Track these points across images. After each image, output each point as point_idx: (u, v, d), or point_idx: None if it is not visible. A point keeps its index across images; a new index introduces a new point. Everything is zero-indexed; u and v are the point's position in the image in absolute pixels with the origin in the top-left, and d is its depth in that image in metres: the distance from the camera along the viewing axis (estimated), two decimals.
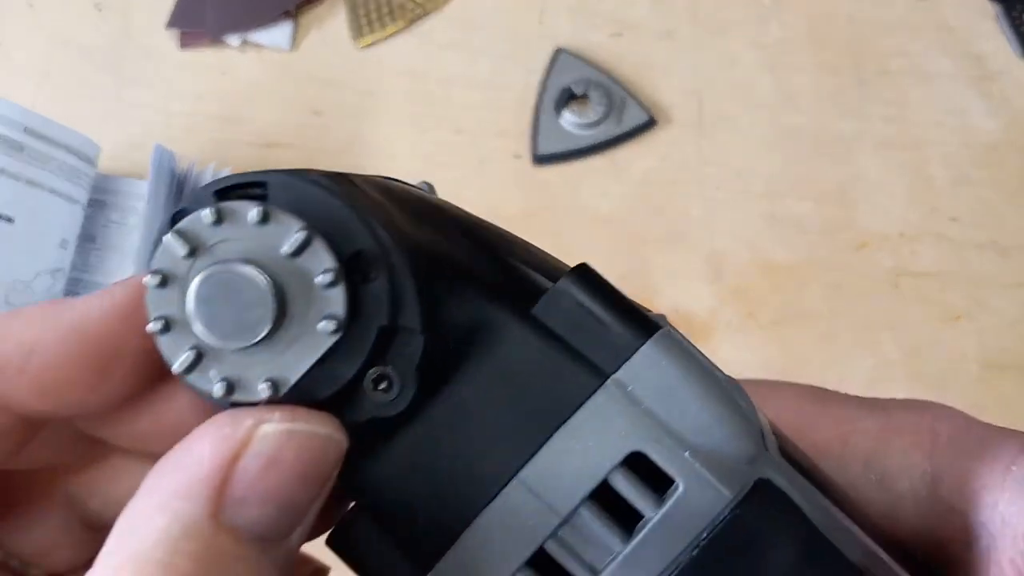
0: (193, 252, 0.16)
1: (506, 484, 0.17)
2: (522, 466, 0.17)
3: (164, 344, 0.16)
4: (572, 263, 0.19)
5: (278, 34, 0.65)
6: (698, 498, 0.16)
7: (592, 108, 0.61)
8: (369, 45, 0.65)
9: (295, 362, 0.16)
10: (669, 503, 0.16)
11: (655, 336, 0.17)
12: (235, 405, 0.16)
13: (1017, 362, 0.55)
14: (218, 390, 0.16)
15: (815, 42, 0.64)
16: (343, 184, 0.17)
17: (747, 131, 0.61)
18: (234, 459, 0.16)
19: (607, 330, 0.17)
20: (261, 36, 0.65)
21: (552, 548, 0.17)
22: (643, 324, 0.17)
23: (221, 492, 0.16)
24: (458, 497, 0.17)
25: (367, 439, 0.17)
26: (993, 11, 0.63)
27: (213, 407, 0.17)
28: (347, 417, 0.17)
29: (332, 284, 0.16)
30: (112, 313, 0.17)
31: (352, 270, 0.16)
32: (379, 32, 0.65)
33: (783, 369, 0.55)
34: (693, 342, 0.18)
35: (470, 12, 0.65)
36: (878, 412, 0.23)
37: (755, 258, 0.58)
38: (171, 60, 0.65)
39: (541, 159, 0.60)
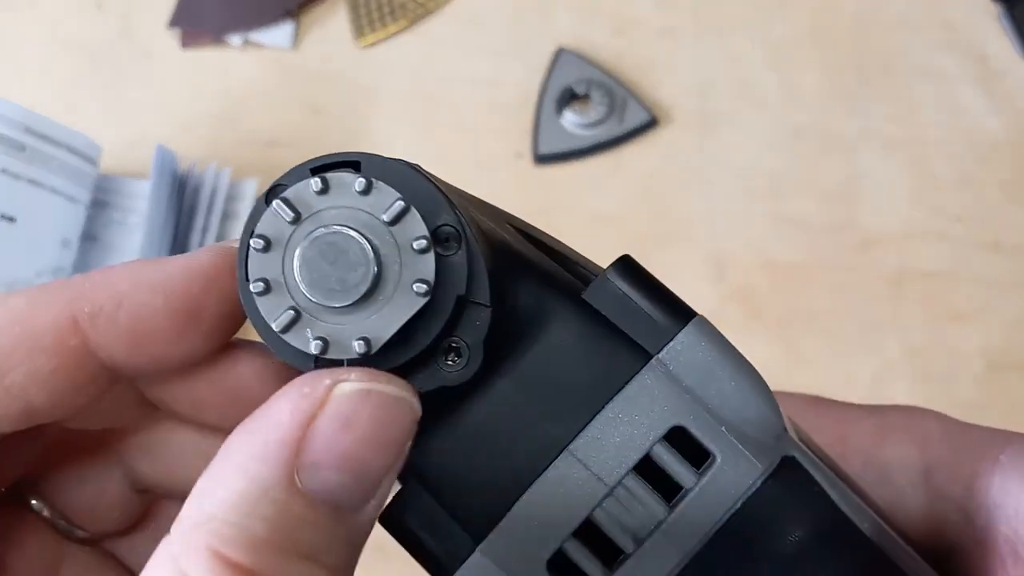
0: (298, 218, 0.17)
1: (557, 456, 0.18)
2: (572, 439, 0.18)
3: (263, 305, 0.17)
4: None
5: (279, 33, 0.65)
6: (733, 470, 0.18)
7: (594, 108, 0.60)
8: (370, 44, 0.64)
9: (387, 323, 0.17)
10: (708, 475, 0.18)
11: (693, 321, 0.18)
12: (321, 365, 0.17)
13: (1020, 361, 0.55)
14: (315, 347, 0.17)
15: (818, 41, 0.63)
16: (421, 170, 0.18)
17: (750, 130, 0.61)
18: (311, 420, 0.16)
19: (650, 315, 0.18)
20: (262, 35, 0.65)
21: (599, 517, 0.18)
22: (682, 310, 0.18)
23: (297, 455, 0.16)
24: (512, 468, 0.18)
25: (430, 410, 0.18)
26: (996, 11, 0.63)
27: (283, 376, 0.18)
28: (418, 385, 0.18)
29: (425, 250, 0.17)
30: (197, 274, 0.18)
31: (436, 242, 0.17)
32: (380, 31, 0.64)
33: (786, 369, 0.55)
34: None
35: (471, 11, 0.65)
36: (873, 415, 0.24)
37: (758, 258, 0.58)
38: (172, 59, 0.65)
39: (542, 159, 0.60)
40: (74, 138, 0.53)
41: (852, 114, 0.61)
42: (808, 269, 0.57)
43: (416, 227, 0.17)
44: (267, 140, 0.62)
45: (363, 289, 0.17)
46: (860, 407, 0.25)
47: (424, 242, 0.17)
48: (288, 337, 0.17)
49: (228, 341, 0.20)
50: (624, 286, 0.18)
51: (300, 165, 0.18)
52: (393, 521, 0.19)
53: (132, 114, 0.63)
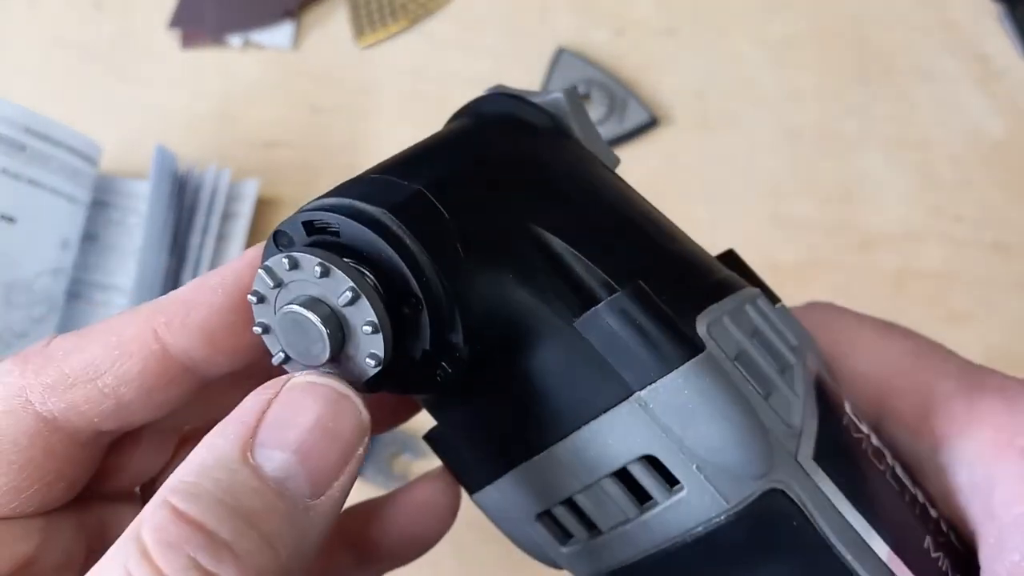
0: (279, 285, 0.20)
1: (541, 452, 0.20)
2: (554, 443, 0.20)
3: (267, 342, 0.20)
4: None
5: (279, 34, 0.65)
6: (699, 502, 0.19)
7: (594, 108, 0.60)
8: (371, 44, 0.64)
9: (352, 376, 0.20)
10: (674, 497, 0.19)
11: (690, 362, 0.18)
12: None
13: (1020, 362, 0.55)
14: None
15: (819, 41, 0.63)
16: (414, 214, 0.19)
17: (750, 130, 0.61)
18: (267, 405, 0.19)
19: (642, 351, 0.18)
20: (262, 36, 0.65)
21: (580, 499, 0.20)
22: (681, 348, 0.18)
23: (252, 434, 0.19)
24: (504, 451, 0.21)
25: (437, 400, 0.22)
26: (996, 11, 0.63)
27: None
28: (408, 391, 0.21)
29: (372, 333, 0.19)
30: (245, 269, 0.22)
31: (402, 302, 0.19)
32: (381, 31, 0.64)
33: None
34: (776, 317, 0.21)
35: (471, 11, 0.65)
36: (968, 394, 0.23)
37: (759, 258, 0.57)
38: (172, 60, 0.65)
39: None
40: (74, 138, 0.53)
41: (852, 114, 0.61)
42: (808, 269, 0.57)
43: (365, 312, 0.19)
44: (267, 140, 0.62)
45: (324, 358, 0.19)
46: (961, 373, 0.24)
47: (370, 328, 0.19)
48: (287, 367, 0.20)
49: None
50: (622, 320, 0.18)
51: (296, 213, 0.21)
52: (434, 441, 0.23)
53: (132, 114, 0.63)
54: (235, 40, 0.65)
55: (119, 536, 0.20)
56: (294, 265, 0.19)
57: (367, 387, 0.20)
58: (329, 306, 0.19)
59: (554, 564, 0.22)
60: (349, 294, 0.18)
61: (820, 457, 0.19)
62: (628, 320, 0.18)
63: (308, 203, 0.21)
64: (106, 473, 0.24)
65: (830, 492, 0.19)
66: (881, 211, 0.59)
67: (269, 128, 0.62)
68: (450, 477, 0.25)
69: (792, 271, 0.57)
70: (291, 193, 0.60)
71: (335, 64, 0.64)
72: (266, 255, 0.21)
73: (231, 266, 0.22)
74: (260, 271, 0.20)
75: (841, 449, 0.20)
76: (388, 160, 0.22)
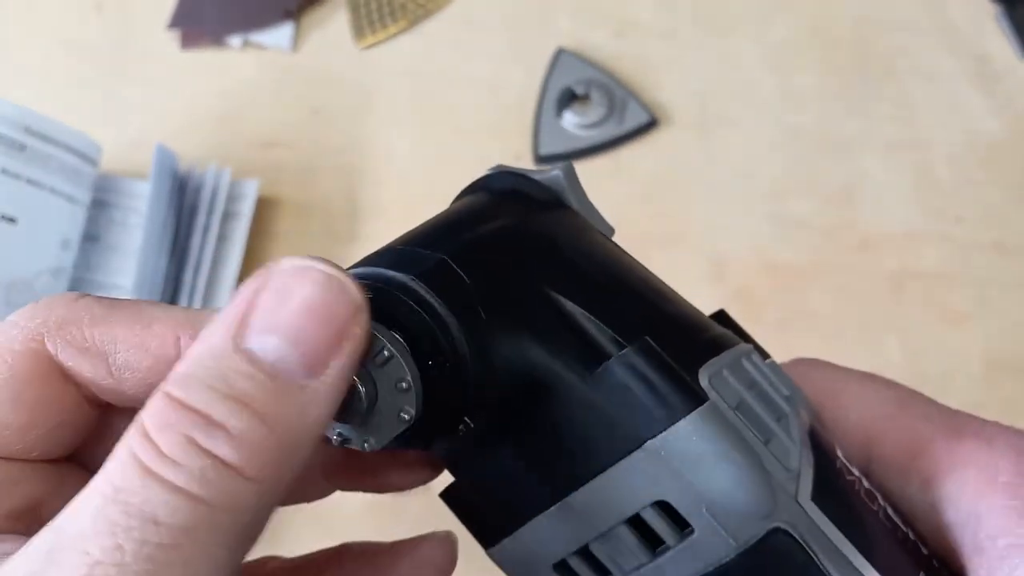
0: None
1: (557, 502, 0.21)
2: (569, 494, 0.21)
3: None
4: None
5: (279, 35, 0.65)
6: (709, 542, 0.20)
7: (593, 108, 0.61)
8: (370, 45, 0.65)
9: (382, 435, 0.21)
10: (685, 542, 0.20)
11: (696, 411, 0.20)
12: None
13: (1020, 362, 0.55)
14: (335, 440, 0.21)
15: (819, 41, 0.63)
16: (439, 283, 0.21)
17: (750, 131, 0.61)
18: (256, 294, 0.19)
19: (652, 402, 0.20)
20: (262, 36, 0.65)
21: (594, 547, 0.21)
22: (687, 398, 0.20)
23: (242, 322, 0.19)
24: (521, 502, 0.22)
25: (457, 454, 0.23)
26: (996, 11, 0.63)
27: None
28: (430, 449, 0.22)
29: (406, 390, 0.20)
30: None
31: (431, 364, 0.20)
32: (381, 32, 0.64)
33: (785, 370, 0.55)
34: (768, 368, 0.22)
35: (471, 12, 0.65)
36: (951, 436, 0.24)
37: (758, 259, 0.58)
38: (172, 60, 0.65)
39: (542, 159, 0.60)
40: (74, 138, 0.53)
41: (852, 115, 0.61)
42: (808, 270, 0.57)
43: (399, 371, 0.20)
44: (267, 141, 0.62)
45: (360, 416, 0.20)
46: (944, 418, 0.25)
47: (405, 384, 0.20)
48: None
49: None
50: (633, 373, 0.20)
51: None
52: (450, 497, 0.24)
53: (132, 114, 0.63)
54: (235, 41, 0.65)
55: None
56: None
57: (396, 443, 0.21)
58: (364, 366, 0.20)
59: None
60: (385, 354, 0.20)
61: (817, 498, 0.21)
62: (638, 373, 0.20)
63: (351, 268, 0.22)
64: (96, 439, 0.24)
65: (828, 531, 0.20)
66: (881, 211, 0.59)
67: (269, 128, 0.62)
68: (453, 536, 0.26)
69: (792, 271, 0.57)
70: (291, 193, 0.60)
71: (335, 65, 0.64)
72: None
73: None
74: None
75: (836, 491, 0.21)
76: (410, 232, 0.23)
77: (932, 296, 0.56)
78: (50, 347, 0.22)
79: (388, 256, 0.22)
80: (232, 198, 0.57)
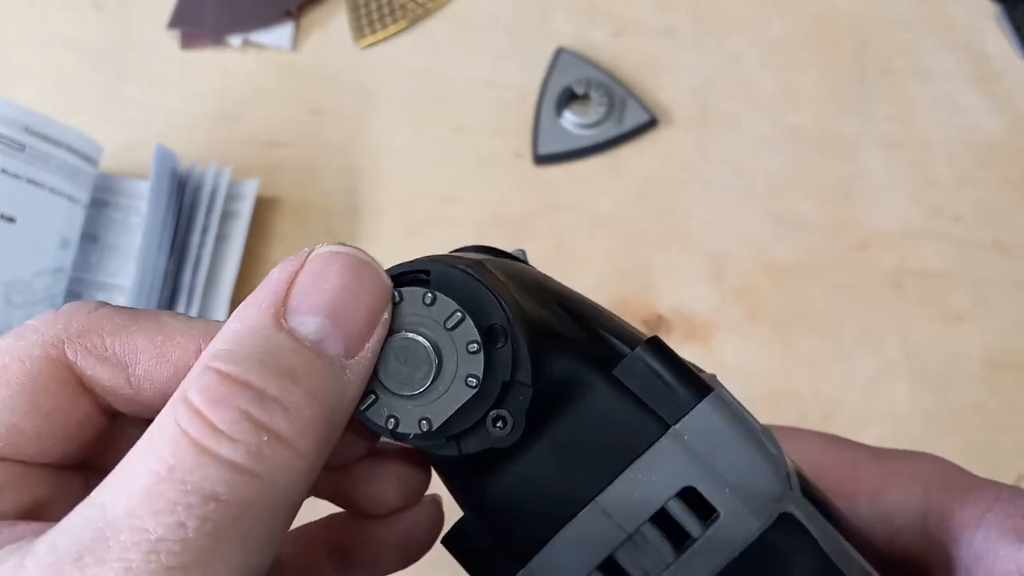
0: None
1: (585, 505, 0.22)
2: (598, 492, 0.21)
3: None
4: (575, 264, 0.21)
5: (279, 34, 0.65)
6: (734, 524, 0.21)
7: (593, 108, 0.61)
8: (370, 45, 0.65)
9: (444, 408, 0.21)
10: (712, 527, 0.21)
11: (708, 397, 0.21)
12: (397, 438, 0.22)
13: (1019, 362, 0.55)
14: (389, 424, 0.21)
15: (818, 41, 0.63)
16: (482, 271, 0.22)
17: (749, 130, 0.61)
18: (294, 275, 0.20)
19: (670, 391, 0.21)
20: (262, 36, 0.65)
21: (619, 556, 0.22)
22: (699, 387, 0.22)
23: (283, 302, 0.20)
24: (548, 512, 0.22)
25: (483, 464, 0.22)
26: (995, 11, 0.63)
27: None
28: (471, 447, 0.22)
29: (476, 352, 0.21)
30: None
31: (487, 338, 0.21)
32: (380, 32, 0.64)
33: (785, 370, 0.55)
34: (735, 398, 0.23)
35: (471, 12, 0.65)
36: (881, 459, 0.27)
37: (757, 258, 0.58)
38: (171, 59, 0.65)
39: (542, 159, 0.60)
40: (74, 138, 0.53)
41: (851, 114, 0.61)
42: (808, 269, 0.57)
43: (470, 333, 0.21)
44: (267, 140, 0.62)
45: (426, 383, 0.21)
46: (871, 449, 0.28)
47: (475, 345, 0.21)
48: (368, 414, 0.21)
49: None
50: (651, 365, 0.22)
51: (386, 271, 0.22)
52: (452, 541, 0.23)
53: (131, 114, 0.63)
54: (235, 40, 0.65)
55: None
56: (399, 299, 0.21)
57: (439, 436, 0.21)
58: (432, 333, 0.21)
59: None
60: (458, 315, 0.21)
61: (804, 493, 0.22)
62: (655, 365, 0.22)
63: (412, 261, 0.23)
64: (103, 448, 0.24)
65: (819, 519, 0.22)
66: (880, 211, 0.59)
67: (268, 128, 0.62)
68: (438, 497, 0.26)
69: (791, 271, 0.57)
70: (290, 192, 0.60)
71: (334, 64, 0.64)
72: None
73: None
74: None
75: (814, 490, 0.24)
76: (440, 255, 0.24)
77: (931, 295, 0.56)
78: (70, 355, 0.22)
79: (428, 259, 0.22)
80: (231, 197, 0.57)
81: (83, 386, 0.22)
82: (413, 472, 0.25)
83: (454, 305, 0.21)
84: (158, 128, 0.62)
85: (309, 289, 0.20)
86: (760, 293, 0.57)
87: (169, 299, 0.54)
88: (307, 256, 0.20)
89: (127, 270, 0.56)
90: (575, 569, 0.22)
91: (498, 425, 0.22)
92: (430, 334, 0.21)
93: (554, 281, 0.25)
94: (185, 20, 0.65)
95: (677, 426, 0.21)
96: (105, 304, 0.22)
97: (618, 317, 0.25)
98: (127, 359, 0.22)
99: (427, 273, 0.22)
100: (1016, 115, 0.61)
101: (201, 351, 0.21)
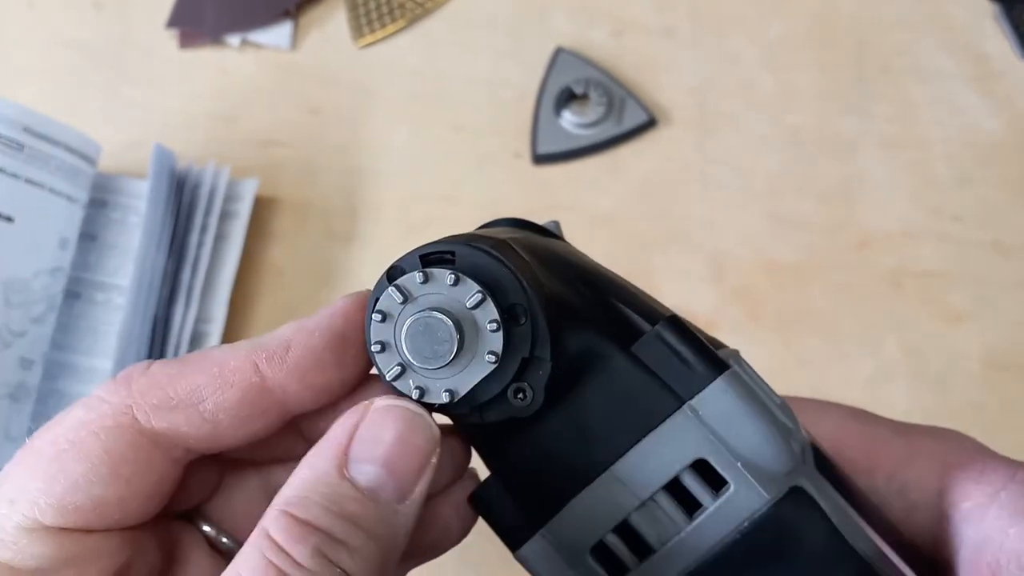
0: (406, 300, 0.23)
1: (602, 473, 0.23)
2: (615, 461, 0.23)
3: (380, 360, 0.24)
4: None
5: (278, 34, 0.65)
6: (744, 496, 0.22)
7: (592, 108, 0.61)
8: (369, 44, 0.65)
9: (466, 381, 0.23)
10: (723, 497, 0.23)
11: (724, 374, 0.23)
12: (425, 407, 0.24)
13: (1019, 362, 0.55)
14: (415, 394, 0.23)
15: (816, 41, 0.63)
16: (506, 251, 0.23)
17: (748, 130, 0.61)
18: (354, 428, 0.23)
19: (687, 368, 0.23)
20: (261, 36, 0.65)
21: (634, 519, 0.23)
22: (715, 364, 0.23)
23: (344, 452, 0.23)
24: (567, 477, 0.24)
25: (507, 431, 0.24)
26: (995, 11, 0.63)
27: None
28: (494, 416, 0.24)
29: (496, 330, 0.23)
30: (340, 315, 0.24)
31: (508, 316, 0.23)
32: (379, 32, 0.64)
33: (785, 369, 0.55)
34: (756, 373, 0.24)
35: (470, 11, 0.65)
36: (903, 435, 0.28)
37: (757, 258, 0.58)
38: (170, 59, 0.65)
39: (541, 159, 0.60)
40: (73, 137, 0.53)
41: (851, 114, 0.61)
42: (807, 269, 0.57)
43: (490, 312, 0.23)
44: (265, 140, 0.62)
45: (448, 358, 0.23)
46: (893, 425, 0.29)
47: (495, 324, 0.23)
48: (397, 384, 0.23)
49: (367, 373, 0.25)
50: (669, 342, 0.23)
51: (412, 251, 0.24)
52: (478, 500, 0.25)
53: (130, 113, 0.63)
54: (233, 40, 0.65)
55: (186, 552, 0.26)
56: (426, 280, 0.23)
57: (465, 407, 0.24)
58: (455, 311, 0.23)
59: None
60: (479, 295, 0.23)
61: (821, 468, 0.24)
62: (673, 342, 0.23)
63: (417, 247, 0.24)
64: (177, 493, 0.26)
65: (833, 495, 0.23)
66: (879, 211, 0.59)
67: (267, 128, 0.62)
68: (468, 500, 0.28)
69: (791, 271, 0.57)
70: (289, 192, 0.60)
71: (333, 64, 0.64)
72: (378, 290, 0.24)
73: (327, 312, 0.25)
74: (390, 290, 0.23)
75: (832, 466, 0.25)
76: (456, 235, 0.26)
77: (930, 295, 0.56)
78: (140, 417, 0.23)
79: (453, 239, 0.24)
80: (230, 197, 0.57)
81: (156, 444, 0.24)
82: (456, 444, 0.27)
83: (476, 286, 0.23)
84: (157, 128, 0.62)
85: (367, 441, 0.23)
86: (760, 293, 0.57)
87: (168, 299, 0.54)
88: (366, 410, 0.23)
89: (126, 269, 0.55)
90: (592, 530, 0.23)
91: (519, 397, 0.23)
92: (453, 313, 0.23)
93: (581, 256, 0.27)
94: (184, 19, 0.65)
95: (692, 401, 0.23)
96: (153, 361, 0.24)
97: (642, 293, 0.26)
98: (194, 399, 0.24)
99: (452, 254, 0.23)
100: (1015, 115, 0.61)
101: (257, 367, 0.24)
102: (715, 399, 0.22)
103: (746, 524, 0.22)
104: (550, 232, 0.28)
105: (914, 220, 0.58)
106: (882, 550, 0.23)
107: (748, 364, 0.25)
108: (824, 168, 0.60)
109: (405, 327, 0.23)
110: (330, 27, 0.65)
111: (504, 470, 0.25)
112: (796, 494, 0.23)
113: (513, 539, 0.25)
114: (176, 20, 0.65)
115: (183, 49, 0.65)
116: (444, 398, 0.23)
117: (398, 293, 0.23)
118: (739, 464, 0.22)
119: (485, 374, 0.23)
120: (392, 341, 0.23)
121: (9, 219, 0.50)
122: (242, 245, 0.57)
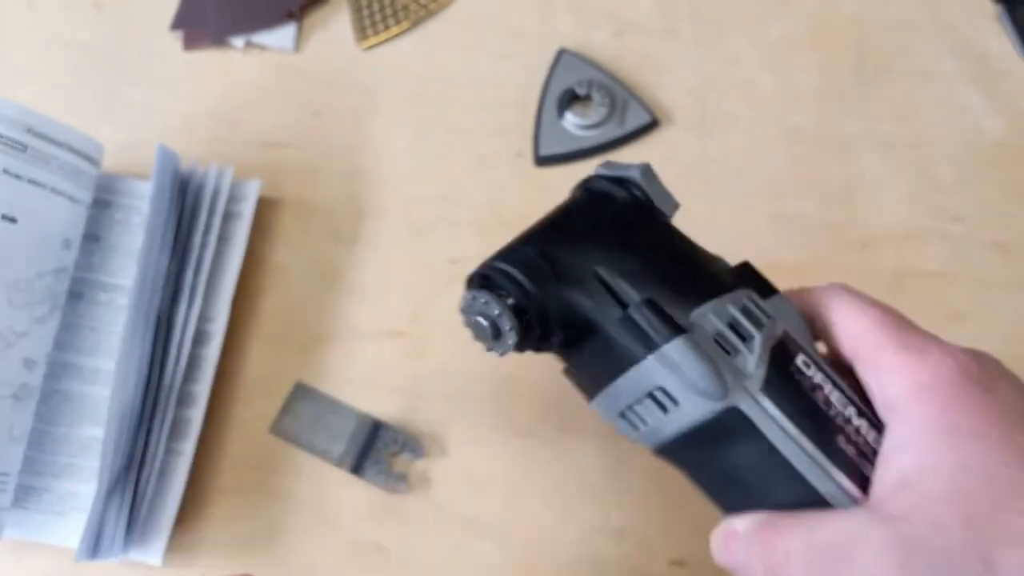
0: (466, 311, 0.37)
1: (610, 384, 0.35)
2: (610, 383, 0.35)
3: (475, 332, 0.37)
4: None
5: (282, 35, 0.65)
6: (690, 411, 0.33)
7: (594, 109, 0.61)
8: (372, 46, 0.65)
9: (505, 349, 0.37)
10: (678, 409, 0.33)
11: (680, 336, 0.33)
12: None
13: (1020, 361, 0.55)
14: (489, 353, 0.38)
15: (818, 41, 0.64)
16: (531, 271, 0.35)
17: (750, 131, 0.61)
18: None
19: (652, 333, 0.33)
20: (264, 37, 0.65)
21: (633, 407, 0.35)
22: (676, 329, 0.33)
23: None
24: (594, 380, 0.36)
25: (559, 350, 0.37)
26: (996, 11, 0.63)
27: None
28: (539, 346, 0.37)
29: (511, 329, 0.36)
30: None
31: (523, 322, 0.36)
32: (383, 33, 0.65)
33: None
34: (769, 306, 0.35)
35: (473, 13, 0.65)
36: (903, 353, 0.34)
37: (758, 258, 0.57)
38: (173, 60, 0.65)
39: (543, 160, 0.60)
40: (76, 138, 0.53)
41: (851, 114, 0.61)
42: (808, 269, 0.57)
43: (507, 321, 0.36)
44: (269, 141, 0.62)
45: (490, 344, 0.36)
46: (899, 338, 0.35)
47: (508, 325, 0.36)
48: (487, 350, 0.37)
49: None
50: (643, 313, 0.33)
51: (476, 269, 0.37)
52: (567, 374, 0.39)
53: (132, 114, 0.63)
54: (237, 42, 0.65)
55: None
56: (474, 298, 0.36)
57: (517, 349, 0.36)
58: (489, 316, 0.36)
59: (635, 442, 0.36)
60: (500, 309, 0.35)
61: (767, 389, 0.33)
62: (645, 317, 0.33)
63: (484, 261, 0.36)
64: None
65: (770, 408, 0.33)
66: (880, 211, 0.59)
67: (271, 129, 0.63)
68: None
69: (792, 271, 0.57)
70: (293, 193, 0.60)
71: (337, 66, 0.64)
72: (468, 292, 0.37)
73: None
74: (464, 305, 0.37)
75: (789, 389, 0.33)
76: (526, 231, 0.37)
77: (932, 295, 0.56)
78: None
79: (508, 250, 0.36)
80: (233, 198, 0.57)
81: None
82: None
83: (501, 304, 0.35)
84: (160, 129, 0.62)
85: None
86: None
87: (171, 299, 0.54)
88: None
89: (129, 270, 0.56)
90: (615, 407, 0.35)
91: (542, 347, 0.37)
92: (489, 318, 0.36)
93: (602, 235, 0.36)
94: (188, 21, 0.66)
95: (660, 350, 0.33)
96: None
97: (678, 259, 0.37)
98: None
99: (487, 278, 0.36)
100: (1017, 115, 0.61)
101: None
102: (671, 352, 0.32)
103: (695, 425, 0.33)
104: (623, 195, 0.39)
105: (915, 220, 0.58)
106: (819, 462, 0.32)
107: (747, 301, 0.34)
108: (825, 168, 0.60)
109: (471, 323, 0.37)
110: (334, 29, 0.65)
111: (568, 366, 0.38)
112: (732, 412, 0.33)
113: (588, 395, 0.37)
114: (180, 22, 0.66)
115: (187, 51, 0.65)
116: (497, 355, 0.37)
117: (467, 303, 0.37)
118: (688, 390, 0.33)
119: (511, 351, 0.37)
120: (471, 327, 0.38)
121: (12, 220, 0.50)
122: (245, 246, 0.57)
